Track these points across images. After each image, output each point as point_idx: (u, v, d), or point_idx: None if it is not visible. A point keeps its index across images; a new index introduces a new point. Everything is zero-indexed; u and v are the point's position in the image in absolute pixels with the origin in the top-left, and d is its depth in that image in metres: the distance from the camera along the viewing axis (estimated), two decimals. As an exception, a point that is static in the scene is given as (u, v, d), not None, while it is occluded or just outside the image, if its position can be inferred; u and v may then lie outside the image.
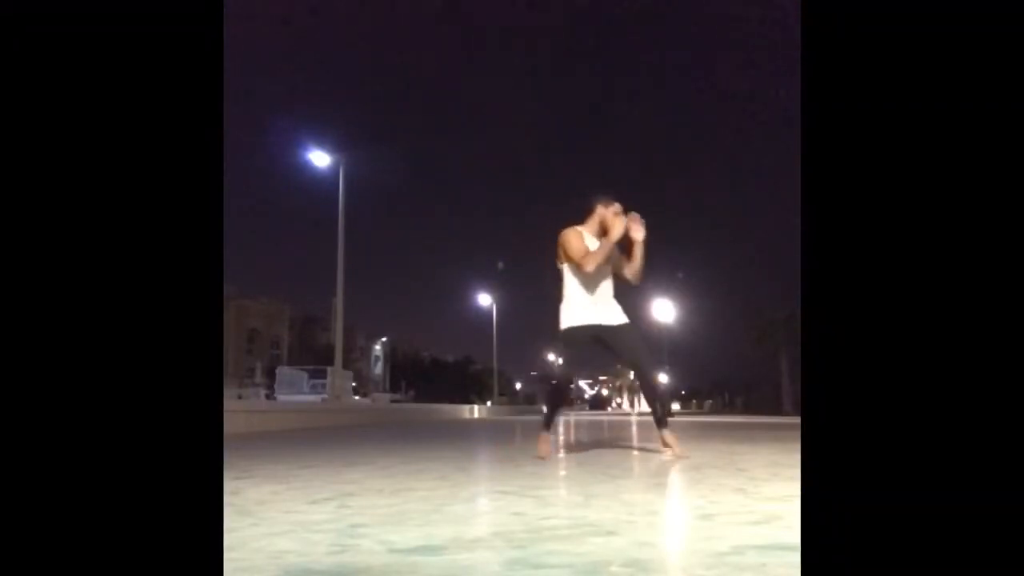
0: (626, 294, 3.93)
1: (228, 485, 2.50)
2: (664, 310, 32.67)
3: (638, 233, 3.78)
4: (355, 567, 1.22)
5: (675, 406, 39.79)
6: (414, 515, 1.81)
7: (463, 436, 7.17)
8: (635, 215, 3.79)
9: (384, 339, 72.83)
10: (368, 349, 70.34)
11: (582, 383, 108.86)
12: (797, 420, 10.55)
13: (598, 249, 3.69)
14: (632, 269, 3.86)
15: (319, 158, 16.98)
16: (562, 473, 3.04)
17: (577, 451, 4.54)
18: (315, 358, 40.59)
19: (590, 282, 3.74)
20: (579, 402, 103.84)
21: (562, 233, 3.80)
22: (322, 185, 17.69)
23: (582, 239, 3.77)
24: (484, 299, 40.39)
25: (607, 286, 3.82)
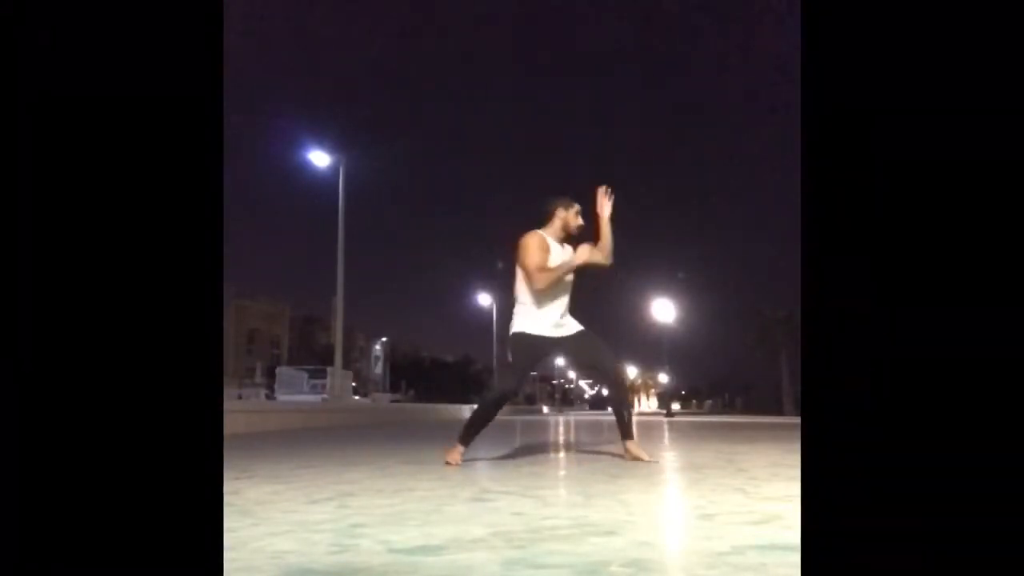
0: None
1: (228, 485, 2.50)
2: (664, 310, 32.65)
3: (605, 210, 3.54)
4: (355, 567, 1.22)
5: (675, 406, 39.73)
6: (414, 515, 1.81)
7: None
8: (603, 188, 3.56)
9: (384, 339, 72.74)
10: (368, 349, 70.27)
11: (582, 383, 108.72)
12: (797, 420, 10.55)
13: (557, 268, 3.38)
14: (602, 250, 3.54)
15: (319, 158, 16.98)
16: (562, 473, 3.04)
17: (577, 451, 4.54)
18: (315, 358, 40.53)
19: (547, 294, 3.42)
20: (579, 402, 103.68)
21: (523, 237, 3.45)
22: (322, 185, 17.70)
23: (542, 249, 3.42)
24: (484, 299, 40.35)
25: (564, 299, 3.50)
